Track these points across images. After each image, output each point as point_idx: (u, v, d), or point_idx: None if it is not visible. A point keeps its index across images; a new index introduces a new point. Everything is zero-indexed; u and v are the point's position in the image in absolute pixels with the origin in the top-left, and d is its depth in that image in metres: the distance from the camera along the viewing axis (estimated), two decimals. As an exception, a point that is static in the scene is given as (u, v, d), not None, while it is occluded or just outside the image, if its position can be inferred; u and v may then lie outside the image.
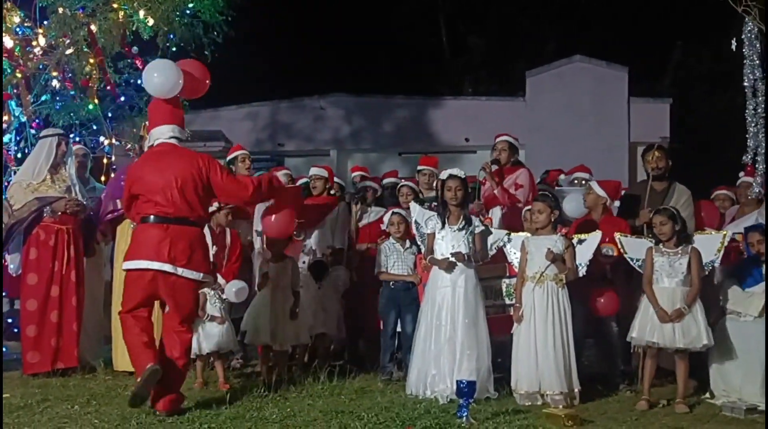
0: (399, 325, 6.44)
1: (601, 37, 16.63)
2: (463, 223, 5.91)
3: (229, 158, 7.63)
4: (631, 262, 5.90)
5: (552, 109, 13.97)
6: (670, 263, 5.61)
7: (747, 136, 5.48)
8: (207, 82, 5.70)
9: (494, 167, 6.78)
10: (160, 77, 5.44)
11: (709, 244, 5.74)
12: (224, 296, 6.05)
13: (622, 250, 5.93)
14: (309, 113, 15.70)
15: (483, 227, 6.02)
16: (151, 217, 5.25)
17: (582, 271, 5.88)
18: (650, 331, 5.54)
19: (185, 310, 5.31)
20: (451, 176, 5.97)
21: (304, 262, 6.93)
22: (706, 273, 5.72)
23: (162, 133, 5.45)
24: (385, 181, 8.11)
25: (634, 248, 5.89)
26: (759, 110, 5.40)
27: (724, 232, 5.91)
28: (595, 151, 12.52)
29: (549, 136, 13.52)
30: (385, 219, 6.69)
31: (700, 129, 15.31)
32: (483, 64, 19.59)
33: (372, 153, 15.47)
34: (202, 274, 5.32)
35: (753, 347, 5.58)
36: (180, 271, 5.19)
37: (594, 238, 6.00)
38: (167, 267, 5.16)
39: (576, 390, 5.64)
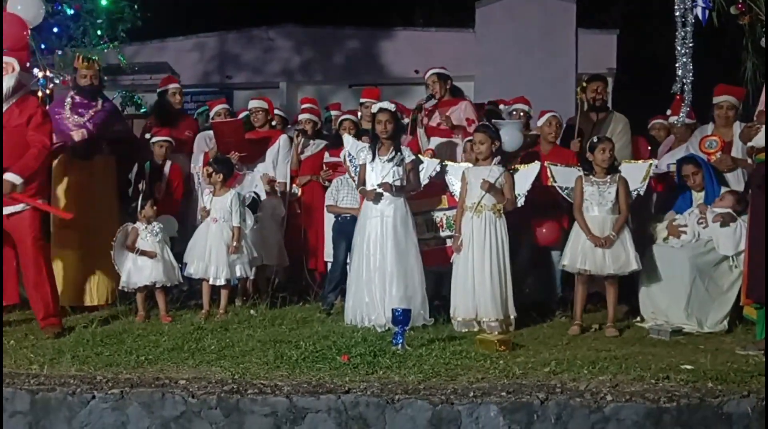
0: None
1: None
2: (393, 154, 5.94)
3: (159, 90, 7.46)
4: (560, 191, 5.95)
5: (501, 40, 13.88)
6: (600, 192, 5.72)
7: (676, 65, 5.53)
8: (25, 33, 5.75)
9: (432, 102, 6.80)
10: None
11: (635, 173, 5.85)
12: (156, 230, 6.04)
13: (551, 179, 5.98)
14: (257, 44, 15.35)
15: (413, 157, 6.05)
16: None
17: (521, 202, 5.94)
18: (582, 259, 5.67)
19: None
20: (381, 109, 5.99)
21: (248, 195, 6.89)
22: (632, 200, 5.83)
23: None
24: (327, 113, 8.04)
25: (564, 177, 5.95)
26: (687, 40, 5.44)
27: (650, 162, 6.03)
28: (543, 82, 12.53)
29: (498, 68, 13.45)
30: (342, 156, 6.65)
31: (647, 61, 15.35)
32: (436, -7, 19.29)
33: (322, 85, 15.26)
34: None
35: (678, 272, 5.76)
36: None
37: (533, 169, 6.06)
38: None
39: (512, 317, 5.80)
